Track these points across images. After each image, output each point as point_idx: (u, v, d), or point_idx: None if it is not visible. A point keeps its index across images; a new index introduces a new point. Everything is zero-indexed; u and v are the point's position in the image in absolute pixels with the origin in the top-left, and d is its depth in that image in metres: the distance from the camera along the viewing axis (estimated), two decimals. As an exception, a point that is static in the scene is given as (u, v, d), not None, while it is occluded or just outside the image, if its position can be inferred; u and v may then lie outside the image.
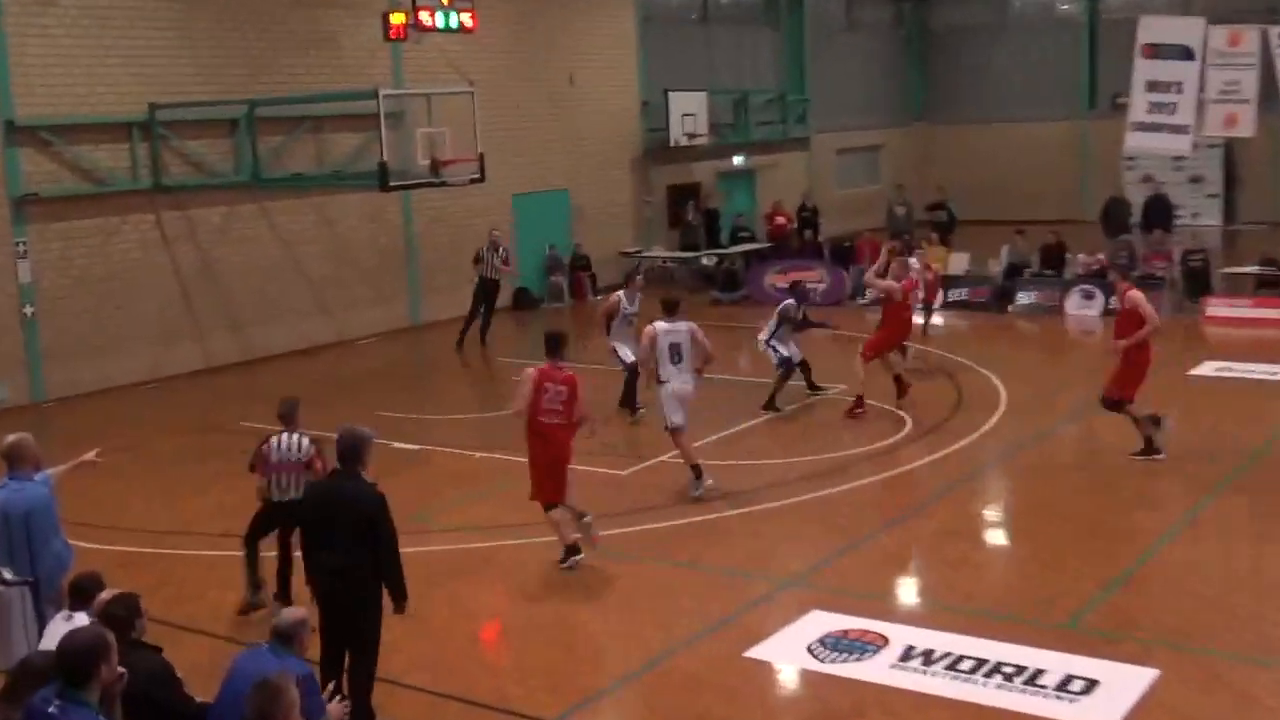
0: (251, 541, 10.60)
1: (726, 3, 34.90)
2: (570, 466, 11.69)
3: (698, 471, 13.42)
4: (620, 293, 17.61)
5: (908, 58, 42.46)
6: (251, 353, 22.64)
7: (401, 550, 8.43)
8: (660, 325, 13.66)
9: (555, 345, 11.57)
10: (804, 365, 17.85)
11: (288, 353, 23.09)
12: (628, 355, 16.90)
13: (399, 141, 23.04)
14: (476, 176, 19.99)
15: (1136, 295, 14.25)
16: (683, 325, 13.67)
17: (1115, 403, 14.36)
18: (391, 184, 19.30)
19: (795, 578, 11.28)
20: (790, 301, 17.89)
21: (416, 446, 16.09)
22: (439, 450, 16.05)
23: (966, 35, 41.37)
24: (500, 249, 23.30)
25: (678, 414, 13.50)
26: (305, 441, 10.39)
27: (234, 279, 22.53)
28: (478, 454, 15.75)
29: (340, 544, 8.19)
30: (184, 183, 21.50)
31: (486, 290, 23.00)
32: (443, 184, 19.96)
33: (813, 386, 17.87)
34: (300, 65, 23.18)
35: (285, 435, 10.44)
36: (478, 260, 23.25)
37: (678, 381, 13.55)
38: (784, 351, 17.51)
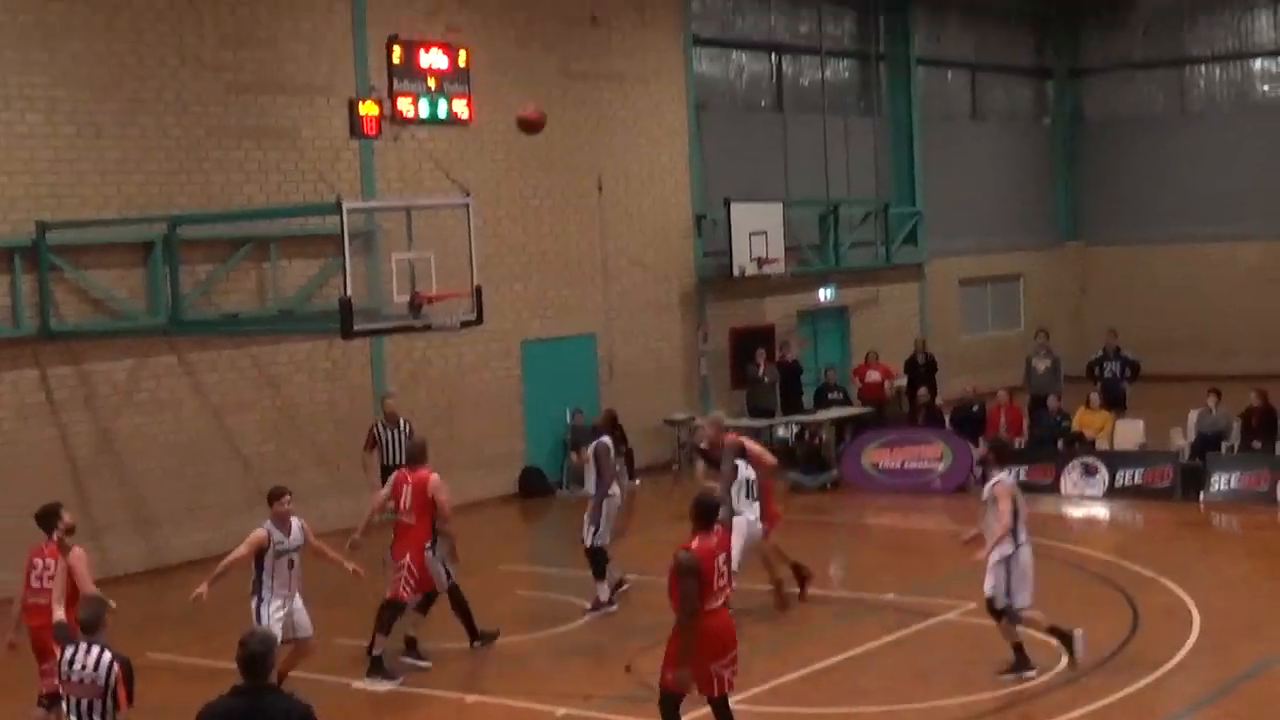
0: None
1: (808, 84, 35.56)
2: None
3: None
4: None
5: (1055, 155, 42.99)
6: (164, 558, 22.69)
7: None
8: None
9: (708, 513, 12.40)
10: None
11: (213, 557, 22.97)
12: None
13: (369, 271, 23.41)
14: (471, 318, 20.13)
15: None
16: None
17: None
18: (357, 328, 19.47)
19: None
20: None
21: (386, 686, 16.05)
22: (419, 693, 15.95)
23: (1135, 126, 41.92)
24: (402, 423, 22.17)
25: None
26: (106, 657, 10.37)
27: (142, 458, 22.72)
28: (470, 697, 15.70)
29: None
30: (80, 327, 21.85)
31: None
32: (426, 328, 20.11)
33: None
34: (239, 170, 23.70)
35: (83, 646, 10.47)
36: (372, 443, 22.00)
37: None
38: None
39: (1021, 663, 15.42)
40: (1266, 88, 40.75)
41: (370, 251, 24.15)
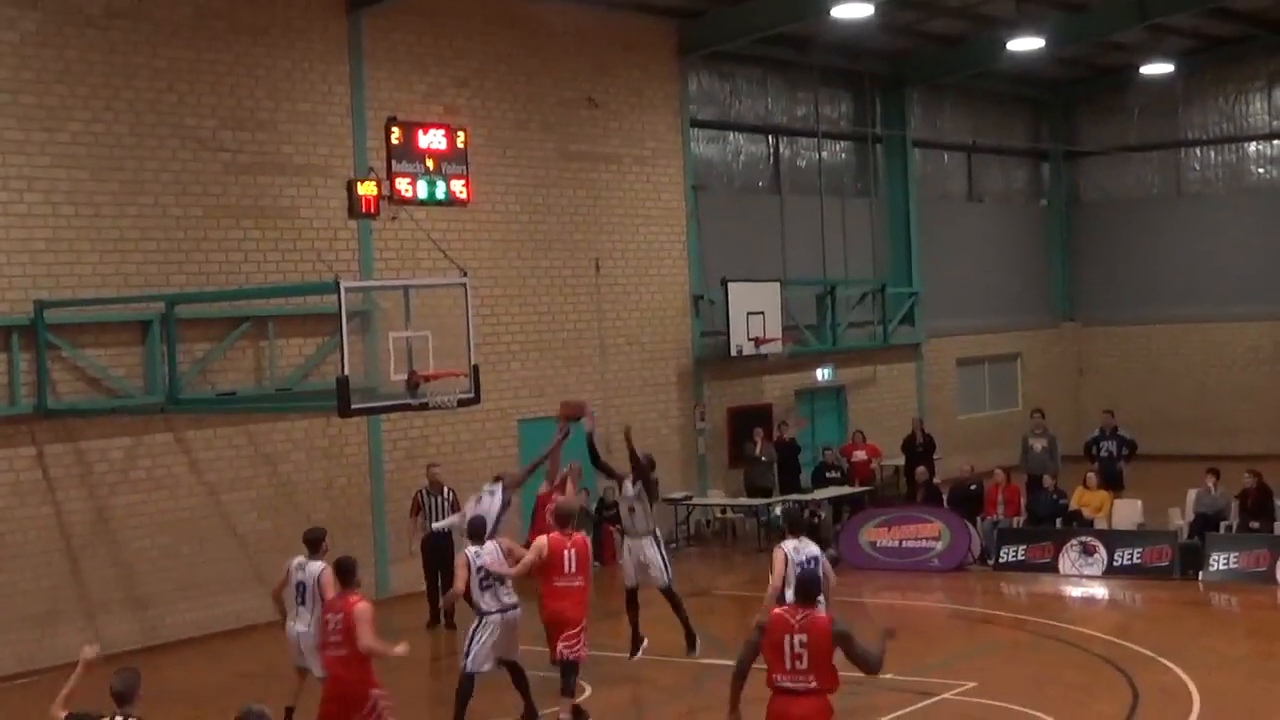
0: None
1: (805, 166, 35.73)
2: None
3: None
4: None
5: (1051, 237, 43.14)
6: (159, 636, 22.57)
7: None
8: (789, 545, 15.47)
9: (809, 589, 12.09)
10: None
11: (209, 636, 23.00)
12: None
13: (366, 350, 23.41)
14: (469, 395, 20.15)
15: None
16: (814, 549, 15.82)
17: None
18: (355, 406, 19.45)
19: None
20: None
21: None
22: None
23: (1130, 208, 42.12)
24: (446, 491, 23.40)
25: None
26: None
27: (138, 536, 22.62)
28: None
29: None
30: (76, 405, 21.83)
31: (439, 550, 22.90)
32: (423, 406, 20.10)
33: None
34: (237, 249, 23.75)
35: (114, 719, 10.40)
36: (416, 510, 23.40)
37: None
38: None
39: None
40: (1261, 170, 40.92)
41: (368, 330, 24.14)
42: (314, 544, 16.63)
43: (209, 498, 23.48)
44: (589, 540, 17.73)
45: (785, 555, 15.58)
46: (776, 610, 12.03)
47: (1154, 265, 41.23)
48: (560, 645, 16.62)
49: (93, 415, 21.94)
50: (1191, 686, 17.92)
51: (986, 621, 22.77)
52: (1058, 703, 17.30)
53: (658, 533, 19.31)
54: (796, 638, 11.55)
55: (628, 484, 19.37)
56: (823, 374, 34.59)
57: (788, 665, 11.53)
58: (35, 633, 21.44)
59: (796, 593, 12.28)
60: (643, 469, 19.35)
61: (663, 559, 19.08)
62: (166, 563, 22.87)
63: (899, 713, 17.28)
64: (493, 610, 16.33)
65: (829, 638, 11.52)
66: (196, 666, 21.39)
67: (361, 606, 14.17)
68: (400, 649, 14.02)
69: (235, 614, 23.55)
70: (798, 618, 11.65)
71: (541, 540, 16.92)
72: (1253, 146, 40.94)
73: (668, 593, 19.11)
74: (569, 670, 16.64)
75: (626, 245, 30.22)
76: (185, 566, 23.10)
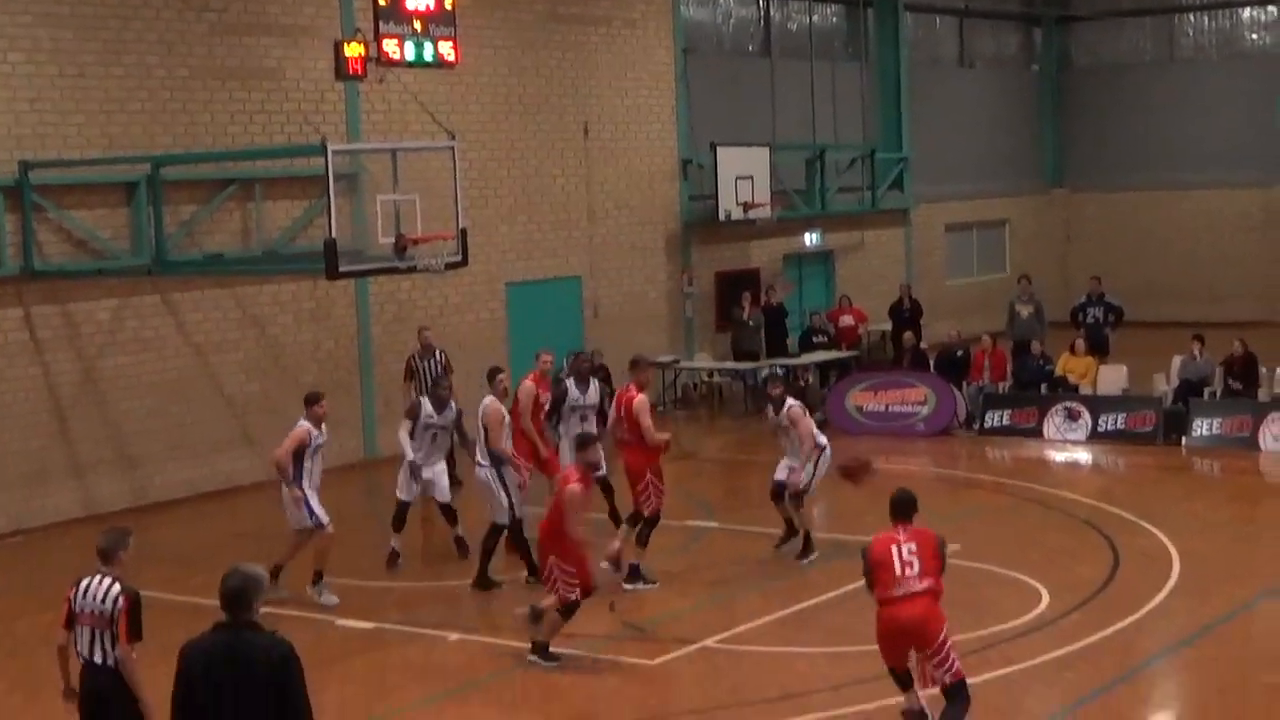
0: None
1: (795, 30, 35.48)
2: None
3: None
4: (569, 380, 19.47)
5: (1042, 102, 42.95)
6: (148, 496, 22.74)
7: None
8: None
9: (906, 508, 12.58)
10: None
11: (197, 496, 23.17)
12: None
13: (353, 213, 23.37)
14: (457, 259, 20.16)
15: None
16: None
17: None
18: (342, 269, 19.47)
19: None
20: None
21: (369, 625, 16.09)
22: (398, 630, 16.02)
23: (1122, 73, 41.89)
24: (438, 354, 23.30)
25: None
26: (115, 589, 10.37)
27: (127, 397, 22.73)
28: (451, 635, 15.74)
29: (243, 712, 8.30)
30: (63, 267, 21.81)
31: None
32: (411, 269, 20.13)
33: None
34: (223, 111, 23.61)
35: (97, 577, 10.48)
36: (410, 375, 23.17)
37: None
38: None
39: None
40: (1254, 36, 40.70)
41: (355, 193, 24.11)
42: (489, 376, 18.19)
43: (196, 359, 23.53)
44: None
45: None
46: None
47: (1145, 131, 41.09)
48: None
49: (79, 277, 21.94)
50: (1172, 550, 18.11)
51: (970, 486, 22.93)
52: (1040, 565, 17.48)
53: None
54: (905, 546, 12.21)
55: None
56: (811, 239, 34.56)
57: (899, 575, 12.14)
58: (25, 493, 21.59)
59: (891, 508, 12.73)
60: None
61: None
62: (155, 424, 22.97)
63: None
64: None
65: (936, 541, 12.41)
66: (186, 526, 21.57)
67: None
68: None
69: (225, 475, 23.70)
70: (900, 532, 12.38)
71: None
72: (1246, 12, 40.69)
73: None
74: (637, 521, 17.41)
75: (615, 109, 30.06)
76: (174, 428, 23.20)
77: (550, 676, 14.38)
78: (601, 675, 14.36)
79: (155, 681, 10.70)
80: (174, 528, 21.45)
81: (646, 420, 17.19)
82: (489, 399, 17.65)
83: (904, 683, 12.39)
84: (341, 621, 16.12)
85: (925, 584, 12.14)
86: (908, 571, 12.13)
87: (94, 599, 10.36)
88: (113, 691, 10.27)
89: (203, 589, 15.89)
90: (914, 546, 12.25)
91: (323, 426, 17.02)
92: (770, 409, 18.64)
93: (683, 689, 13.89)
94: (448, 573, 18.22)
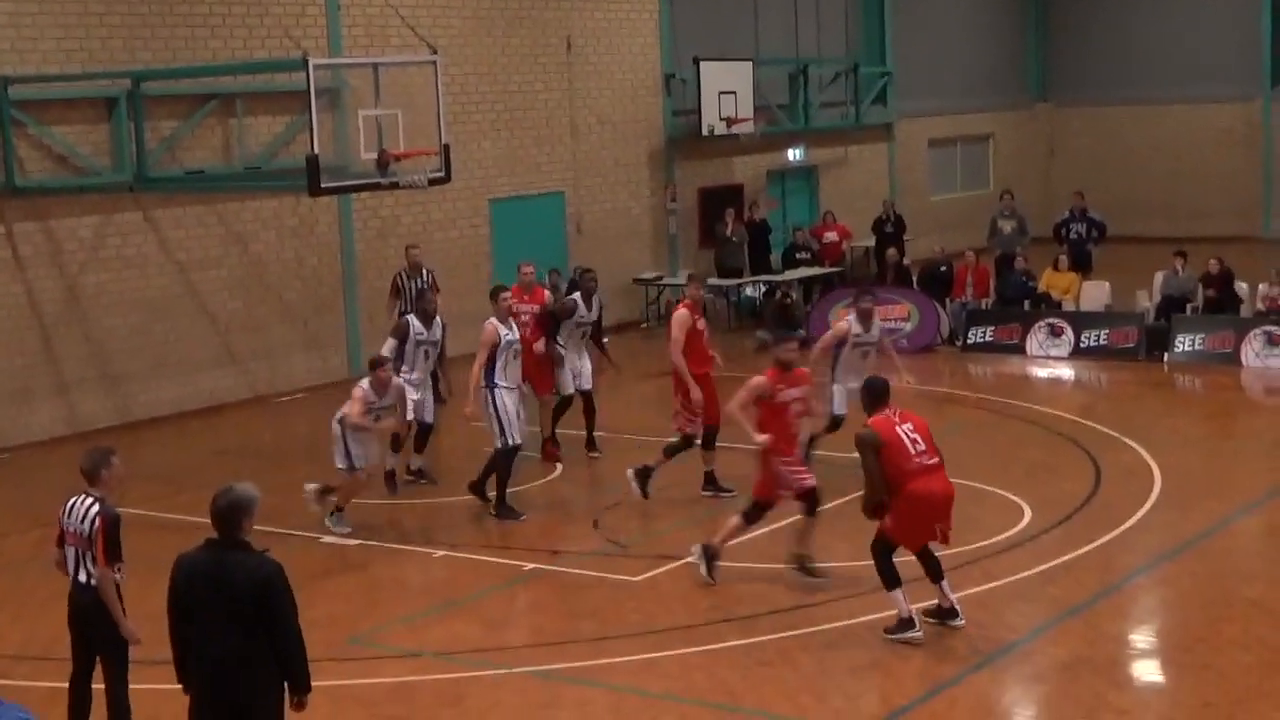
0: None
1: (780, -58, 35.18)
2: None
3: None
4: (850, 316, 18.77)
5: (1026, 16, 42.73)
6: (132, 414, 22.74)
7: (339, 683, 8.49)
8: None
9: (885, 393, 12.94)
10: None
11: (181, 414, 23.18)
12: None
13: (335, 128, 23.26)
14: (439, 174, 20.10)
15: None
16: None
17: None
18: (324, 185, 19.42)
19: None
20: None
21: (355, 541, 16.18)
22: (385, 547, 16.09)
23: (1106, -14, 41.64)
24: (425, 273, 22.72)
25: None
26: (94, 509, 10.40)
27: (109, 315, 22.67)
28: (438, 552, 15.81)
29: (223, 631, 8.51)
30: (44, 184, 21.69)
31: None
32: (394, 185, 20.05)
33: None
34: (203, 25, 23.41)
35: (80, 497, 10.54)
36: (396, 293, 22.56)
37: None
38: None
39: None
40: (1239, -53, 40.44)
41: (337, 109, 24.00)
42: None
43: (179, 277, 23.46)
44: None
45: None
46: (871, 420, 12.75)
47: (1128, 45, 40.91)
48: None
49: (61, 194, 21.84)
50: (1153, 465, 18.23)
51: (953, 401, 22.97)
52: (1022, 480, 17.59)
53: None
54: (903, 427, 12.54)
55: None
56: (794, 154, 34.47)
57: (913, 451, 12.45)
58: (10, 410, 21.59)
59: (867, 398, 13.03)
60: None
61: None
62: (138, 341, 22.94)
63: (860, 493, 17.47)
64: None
65: (926, 422, 12.80)
66: (170, 444, 21.61)
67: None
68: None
69: (208, 392, 23.71)
70: (893, 414, 12.68)
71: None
72: (1232, -76, 40.41)
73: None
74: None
75: (598, 23, 29.87)
76: (157, 345, 23.17)
77: (534, 593, 14.51)
78: (586, 591, 14.43)
79: (145, 596, 10.80)
80: (158, 445, 21.47)
81: (674, 332, 17.25)
82: (490, 320, 17.29)
83: (895, 579, 12.68)
84: (328, 538, 16.19)
85: (936, 459, 12.58)
86: (917, 447, 12.49)
87: (76, 519, 10.42)
88: (95, 610, 10.36)
89: (189, 506, 16.04)
90: (910, 427, 12.62)
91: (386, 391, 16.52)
92: (856, 320, 18.46)
93: (668, 604, 13.97)
94: (438, 490, 18.28)
